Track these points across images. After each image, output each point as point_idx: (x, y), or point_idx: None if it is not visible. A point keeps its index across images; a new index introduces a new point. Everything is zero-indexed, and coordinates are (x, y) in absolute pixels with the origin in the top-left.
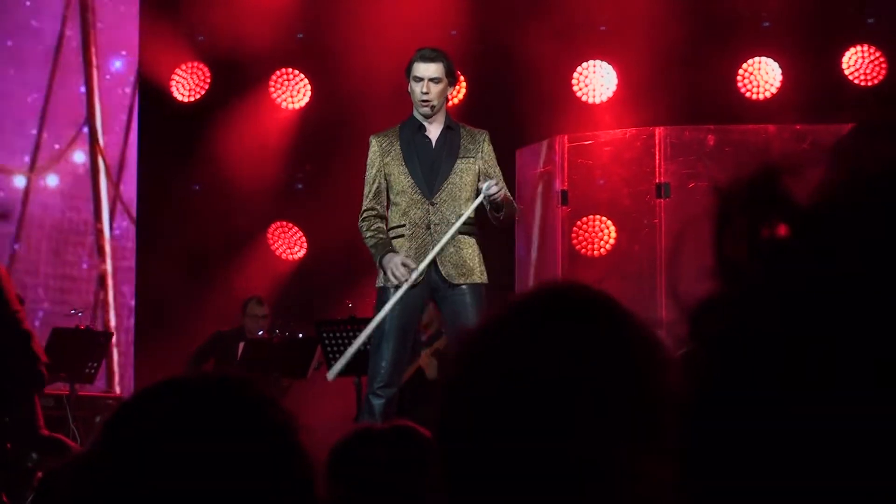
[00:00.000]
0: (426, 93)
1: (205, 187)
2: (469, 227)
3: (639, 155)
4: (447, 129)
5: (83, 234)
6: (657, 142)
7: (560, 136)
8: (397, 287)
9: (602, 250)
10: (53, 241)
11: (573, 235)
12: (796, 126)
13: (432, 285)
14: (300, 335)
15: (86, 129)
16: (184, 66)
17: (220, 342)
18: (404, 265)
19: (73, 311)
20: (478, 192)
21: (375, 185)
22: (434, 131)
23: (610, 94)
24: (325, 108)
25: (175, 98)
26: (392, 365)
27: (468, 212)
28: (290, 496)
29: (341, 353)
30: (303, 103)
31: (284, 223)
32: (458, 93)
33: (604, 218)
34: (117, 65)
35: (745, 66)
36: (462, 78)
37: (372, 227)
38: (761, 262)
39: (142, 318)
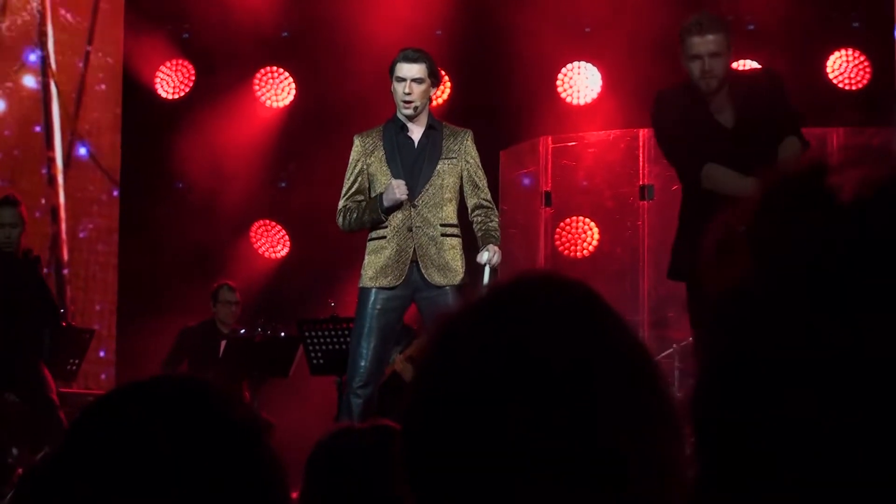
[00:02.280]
0: (409, 93)
1: (188, 184)
2: (452, 229)
3: (623, 157)
4: (430, 129)
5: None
6: (641, 144)
7: (544, 138)
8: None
9: (585, 252)
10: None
11: (556, 237)
12: None
13: (414, 286)
14: (282, 334)
15: (37, 53)
16: (168, 64)
17: (188, 337)
18: (397, 187)
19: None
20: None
21: (355, 185)
22: (416, 132)
23: (594, 95)
24: (310, 106)
25: (159, 95)
26: (371, 364)
27: (483, 283)
28: (257, 498)
29: (323, 352)
30: (287, 101)
31: (268, 221)
32: (443, 93)
33: (587, 219)
34: None
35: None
36: (447, 78)
37: (349, 210)
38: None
39: (123, 315)
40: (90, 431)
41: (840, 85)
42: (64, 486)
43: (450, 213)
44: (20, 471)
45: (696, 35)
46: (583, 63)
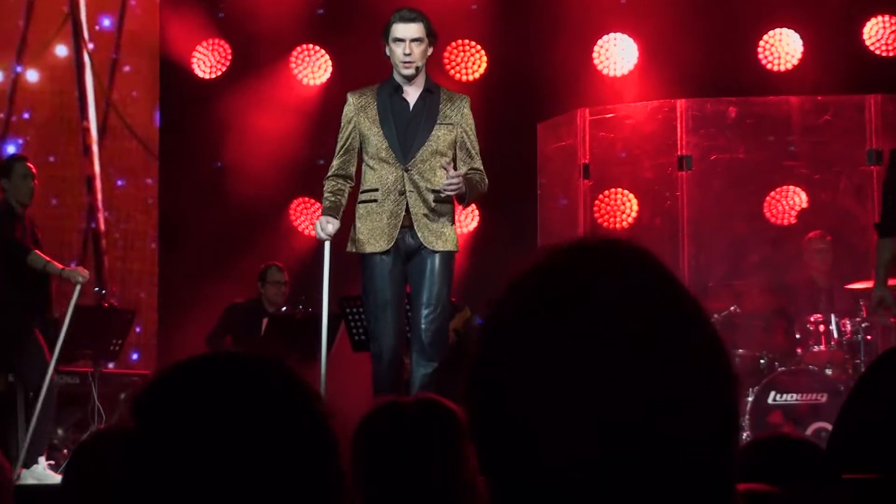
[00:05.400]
0: (408, 54)
1: (227, 164)
2: (446, 196)
3: (660, 128)
4: (426, 91)
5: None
6: (678, 114)
7: (581, 110)
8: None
9: (624, 223)
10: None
11: (595, 209)
12: (818, 97)
13: (407, 250)
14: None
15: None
16: (204, 43)
17: (235, 314)
18: (328, 229)
19: (96, 290)
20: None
21: (347, 144)
22: (413, 94)
23: (631, 66)
24: (346, 83)
25: (196, 75)
26: (395, 338)
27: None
28: (318, 475)
29: (365, 328)
30: (324, 79)
31: (306, 199)
32: (479, 67)
33: (626, 191)
34: None
35: (765, 37)
36: (483, 51)
37: (329, 189)
38: None
39: (165, 293)
40: (163, 403)
41: (877, 52)
42: (137, 458)
43: (443, 178)
44: (65, 452)
45: None
46: (619, 34)
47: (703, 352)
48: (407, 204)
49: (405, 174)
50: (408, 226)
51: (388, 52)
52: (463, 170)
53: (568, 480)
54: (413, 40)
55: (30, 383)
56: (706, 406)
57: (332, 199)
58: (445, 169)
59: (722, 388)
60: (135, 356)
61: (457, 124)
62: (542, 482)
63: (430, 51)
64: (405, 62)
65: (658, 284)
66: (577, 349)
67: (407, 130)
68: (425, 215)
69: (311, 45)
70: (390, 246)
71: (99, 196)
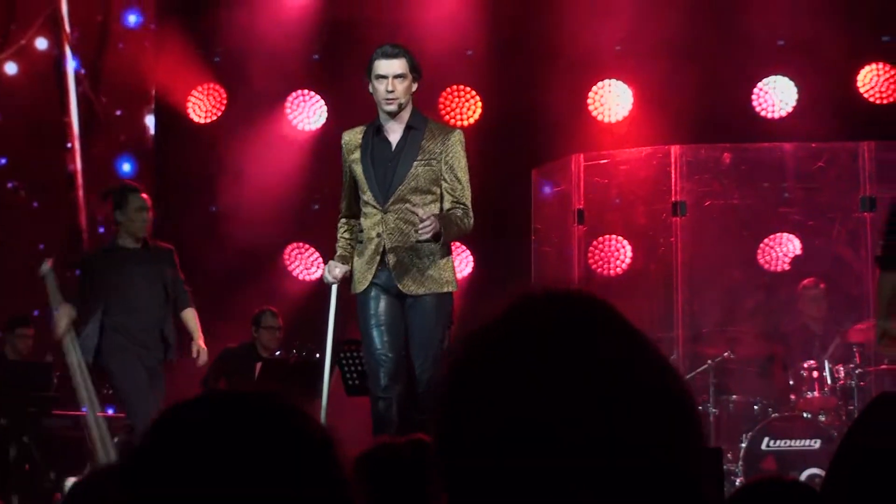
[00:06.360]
0: (391, 91)
1: (222, 208)
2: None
3: (655, 173)
4: (408, 129)
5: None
6: (673, 160)
7: (576, 155)
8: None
9: (619, 269)
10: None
11: (589, 254)
12: (812, 144)
13: (396, 292)
14: (317, 355)
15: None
16: (200, 88)
17: (229, 359)
18: (334, 273)
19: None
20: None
21: (346, 184)
22: (395, 133)
23: (625, 112)
24: (342, 129)
25: (192, 119)
26: (389, 364)
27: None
28: None
29: (359, 372)
30: (319, 124)
31: (301, 244)
32: (474, 112)
33: (620, 237)
34: None
35: (760, 84)
36: (478, 97)
37: (340, 233)
38: None
39: None
40: (168, 437)
41: (871, 99)
42: (142, 495)
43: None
44: (58, 496)
45: None
46: (613, 80)
47: (662, 394)
48: (383, 247)
49: (382, 216)
50: (387, 269)
51: (371, 90)
52: (446, 205)
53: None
54: (396, 77)
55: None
56: (664, 444)
57: (341, 243)
58: (414, 213)
59: (683, 429)
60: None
61: (439, 157)
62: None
63: (415, 86)
64: (388, 99)
65: (613, 331)
66: (536, 387)
67: (386, 170)
68: (405, 258)
69: (306, 91)
70: (368, 287)
71: (80, 194)
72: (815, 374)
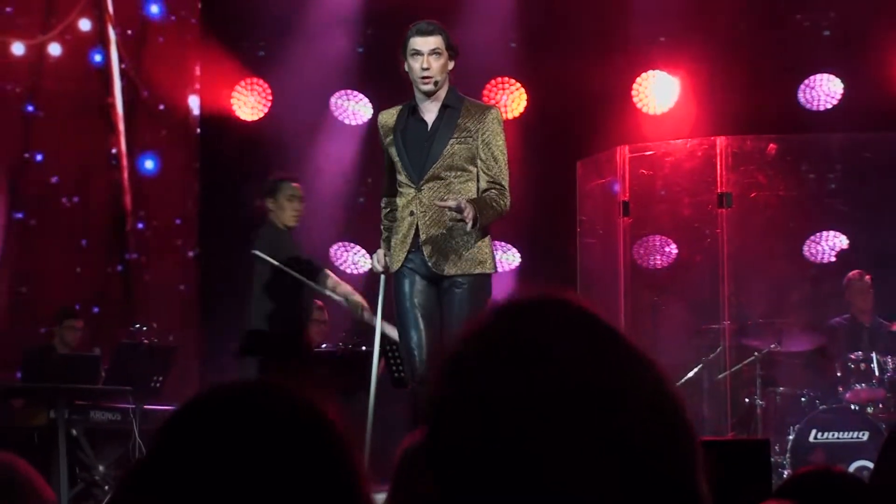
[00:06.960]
0: (427, 68)
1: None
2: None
3: (700, 165)
4: (444, 107)
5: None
6: (718, 152)
7: (621, 147)
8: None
9: (664, 261)
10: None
11: (635, 247)
12: (858, 135)
13: (428, 274)
14: (363, 348)
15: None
16: (244, 84)
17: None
18: (382, 261)
19: (134, 327)
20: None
21: (387, 166)
22: (431, 112)
23: (671, 104)
24: None
25: (236, 116)
26: (422, 352)
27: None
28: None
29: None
30: (364, 119)
31: (346, 243)
32: (519, 105)
33: (665, 228)
34: None
35: (806, 81)
36: (523, 89)
37: (384, 217)
38: None
39: (208, 331)
40: (179, 435)
41: None
42: (153, 494)
43: (465, 194)
44: (106, 488)
45: None
46: (658, 72)
47: (655, 402)
48: (417, 226)
49: (416, 194)
50: (420, 250)
51: (406, 68)
52: (482, 185)
53: None
54: (431, 53)
55: None
56: (652, 444)
57: (385, 224)
58: (448, 190)
59: (672, 431)
60: None
61: (475, 134)
62: None
63: (452, 65)
64: (423, 77)
65: (602, 338)
66: (529, 395)
67: (421, 150)
68: (439, 237)
69: (350, 91)
70: (402, 269)
71: (125, 175)
72: (863, 366)
